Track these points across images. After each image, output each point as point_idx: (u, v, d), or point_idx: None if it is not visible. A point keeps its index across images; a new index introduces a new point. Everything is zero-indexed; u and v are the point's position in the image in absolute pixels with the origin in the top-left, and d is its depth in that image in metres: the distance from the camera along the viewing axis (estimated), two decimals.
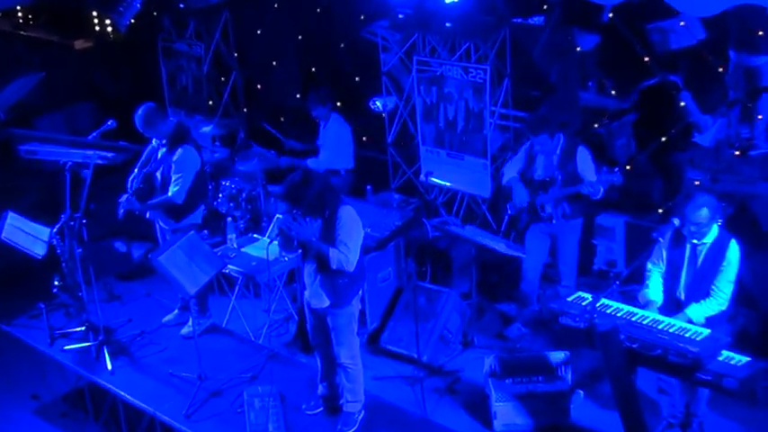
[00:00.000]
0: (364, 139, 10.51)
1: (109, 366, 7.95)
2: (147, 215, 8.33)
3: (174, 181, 8.00)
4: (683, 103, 8.79)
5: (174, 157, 7.99)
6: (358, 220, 6.68)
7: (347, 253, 6.58)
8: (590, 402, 7.41)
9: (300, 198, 6.55)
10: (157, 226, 8.48)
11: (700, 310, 6.56)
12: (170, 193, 8.01)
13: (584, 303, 6.54)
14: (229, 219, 8.95)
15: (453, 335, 8.27)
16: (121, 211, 7.97)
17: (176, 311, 8.74)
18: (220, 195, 9.61)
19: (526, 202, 8.09)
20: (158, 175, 8.12)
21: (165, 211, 8.17)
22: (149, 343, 8.35)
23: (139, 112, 8.01)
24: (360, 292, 6.88)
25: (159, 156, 8.13)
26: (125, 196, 7.99)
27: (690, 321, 6.45)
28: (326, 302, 6.82)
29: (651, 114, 9.22)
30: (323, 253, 6.63)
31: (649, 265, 6.84)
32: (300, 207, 6.60)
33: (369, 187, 9.74)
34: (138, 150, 8.26)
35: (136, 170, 8.25)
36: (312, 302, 6.92)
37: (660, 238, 6.72)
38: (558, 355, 7.32)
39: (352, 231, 6.61)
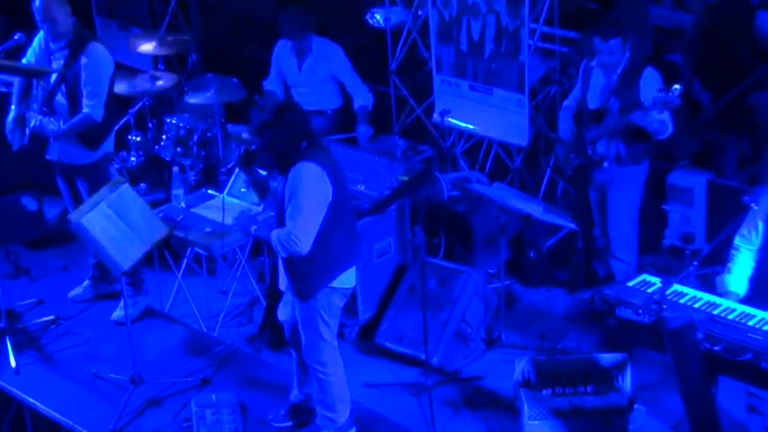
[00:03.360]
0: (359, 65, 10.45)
1: (13, 363, 7.97)
2: (48, 155, 8.28)
3: (89, 93, 7.99)
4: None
5: (84, 62, 7.99)
6: (312, 182, 6.52)
7: (292, 230, 6.51)
8: (654, 421, 7.43)
9: (263, 141, 6.60)
10: (58, 179, 8.44)
11: None
12: (86, 110, 8.01)
13: (649, 290, 6.53)
14: (175, 168, 8.92)
15: (474, 329, 8.29)
16: (56, 131, 7.97)
17: (87, 282, 8.79)
18: (164, 137, 9.58)
19: (570, 136, 8.06)
20: (60, 96, 8.10)
21: (78, 138, 8.14)
22: (67, 332, 8.37)
23: None
24: (333, 283, 6.81)
25: (55, 72, 8.09)
26: (38, 119, 7.97)
27: None
28: (285, 285, 6.95)
29: (717, 38, 9.16)
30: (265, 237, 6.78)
31: (737, 241, 6.82)
32: (262, 154, 6.66)
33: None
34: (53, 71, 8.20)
35: (13, 107, 8.20)
36: (281, 283, 7.03)
37: (753, 204, 6.70)
38: (613, 359, 7.33)
39: (298, 197, 6.50)
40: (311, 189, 6.52)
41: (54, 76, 8.06)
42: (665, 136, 7.76)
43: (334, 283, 6.81)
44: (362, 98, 9.51)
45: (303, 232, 6.52)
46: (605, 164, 8.04)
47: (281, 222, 6.67)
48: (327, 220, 6.60)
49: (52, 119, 8.00)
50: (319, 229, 6.58)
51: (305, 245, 6.54)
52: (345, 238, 6.80)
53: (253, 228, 6.94)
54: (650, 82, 7.83)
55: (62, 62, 8.05)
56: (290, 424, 7.35)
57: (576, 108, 8.17)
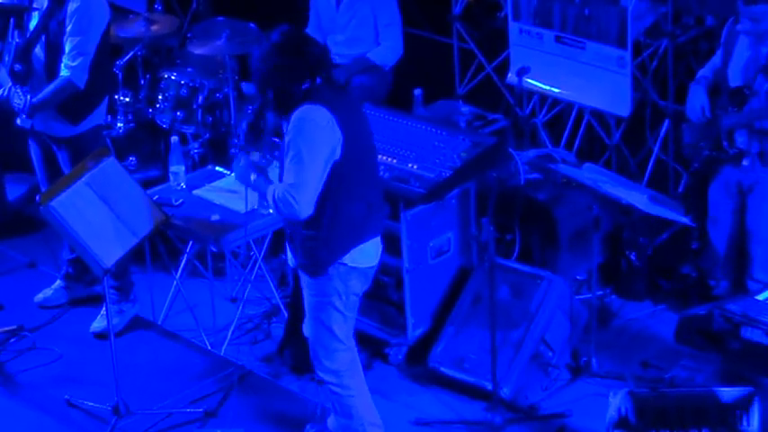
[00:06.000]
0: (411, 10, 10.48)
1: None
2: (20, 121, 8.30)
3: (72, 51, 8.00)
4: None
5: (71, 8, 7.99)
6: (316, 129, 6.56)
7: (288, 187, 6.55)
8: None
9: (256, 82, 6.71)
10: (32, 145, 8.50)
11: None
12: (65, 72, 8.03)
13: None
14: (174, 138, 8.95)
15: (556, 353, 8.29)
16: (23, 108, 7.99)
17: (59, 283, 8.86)
18: (160, 98, 9.62)
19: (700, 117, 7.95)
20: (39, 49, 8.14)
21: (58, 108, 8.16)
22: (33, 347, 8.43)
23: None
24: (347, 260, 6.80)
25: (36, 18, 8.11)
26: (7, 88, 8.01)
27: None
28: (292, 261, 7.03)
29: None
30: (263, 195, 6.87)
31: None
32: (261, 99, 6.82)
33: (417, 92, 9.70)
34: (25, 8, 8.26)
35: None
36: (288, 259, 7.14)
37: None
38: (735, 394, 7.30)
39: (299, 146, 6.53)
40: (315, 138, 6.55)
41: (34, 23, 8.09)
42: None
43: (349, 261, 6.81)
44: (387, 53, 9.42)
45: (302, 190, 6.54)
46: (745, 161, 7.94)
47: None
48: (337, 177, 6.63)
49: (20, 91, 8.00)
50: (327, 188, 6.62)
51: (303, 206, 6.56)
52: (364, 203, 6.82)
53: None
54: None
55: (45, 5, 8.08)
56: None
57: (713, 81, 8.04)
